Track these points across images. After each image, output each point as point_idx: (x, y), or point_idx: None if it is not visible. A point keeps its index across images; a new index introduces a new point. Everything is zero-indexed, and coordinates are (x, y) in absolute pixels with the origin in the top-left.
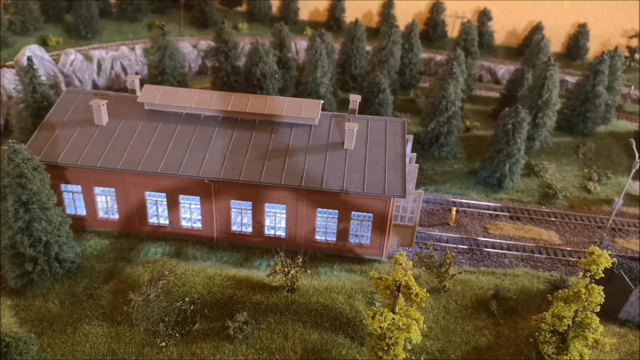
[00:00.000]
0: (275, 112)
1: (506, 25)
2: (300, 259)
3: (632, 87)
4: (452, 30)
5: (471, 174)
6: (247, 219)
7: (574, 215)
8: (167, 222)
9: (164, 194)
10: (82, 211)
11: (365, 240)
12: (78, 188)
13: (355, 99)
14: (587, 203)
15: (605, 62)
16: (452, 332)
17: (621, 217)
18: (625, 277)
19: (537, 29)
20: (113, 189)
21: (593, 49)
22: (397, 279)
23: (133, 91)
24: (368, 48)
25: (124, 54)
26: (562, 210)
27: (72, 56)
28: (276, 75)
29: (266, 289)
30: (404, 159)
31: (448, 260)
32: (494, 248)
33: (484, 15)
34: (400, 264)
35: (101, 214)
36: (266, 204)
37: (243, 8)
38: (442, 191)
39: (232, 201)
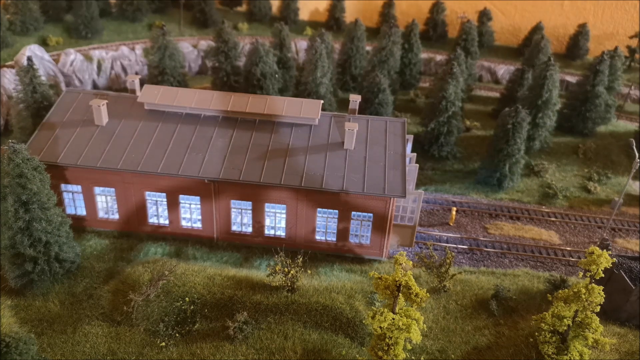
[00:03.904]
0: (275, 112)
1: (506, 25)
2: (300, 259)
3: (632, 87)
4: (452, 30)
5: (471, 174)
6: (247, 219)
7: (574, 215)
8: (167, 222)
9: (164, 194)
10: (82, 211)
11: (365, 240)
12: (78, 188)
13: (355, 99)
14: (587, 203)
15: (605, 62)
16: (452, 332)
17: (621, 217)
18: (625, 277)
19: (537, 29)
20: (113, 189)
21: (593, 49)
22: (397, 279)
23: (133, 91)
24: (368, 48)
25: (124, 54)
26: (562, 210)
27: (72, 56)
28: (276, 75)
29: (266, 289)
30: (404, 159)
31: (448, 260)
32: (494, 248)
33: (484, 15)
34: (400, 264)
35: (101, 214)
36: (266, 204)
37: (243, 8)
38: (442, 191)
39: (232, 201)
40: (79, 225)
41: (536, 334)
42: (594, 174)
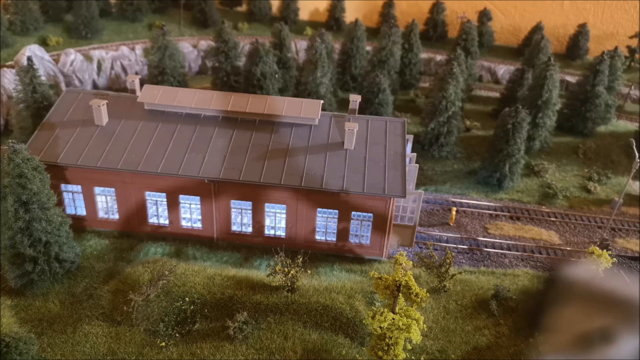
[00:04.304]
0: (275, 112)
1: (506, 25)
2: (300, 259)
3: (632, 87)
4: (452, 30)
5: (471, 174)
6: (247, 219)
7: (574, 215)
8: (167, 222)
9: (164, 194)
10: (82, 211)
11: (365, 240)
12: (78, 188)
13: (355, 99)
14: (587, 203)
15: (605, 62)
16: (452, 332)
17: (621, 217)
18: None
19: (537, 29)
20: (113, 189)
21: (593, 49)
22: (397, 279)
23: (133, 91)
24: (368, 48)
25: (124, 54)
26: (562, 210)
27: (72, 56)
28: (276, 75)
29: (266, 289)
30: (404, 159)
31: (448, 260)
32: (494, 248)
33: (484, 15)
34: (400, 264)
35: (101, 214)
36: (266, 204)
37: (243, 8)
38: (442, 191)
39: (232, 201)
40: (79, 225)
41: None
42: (594, 174)
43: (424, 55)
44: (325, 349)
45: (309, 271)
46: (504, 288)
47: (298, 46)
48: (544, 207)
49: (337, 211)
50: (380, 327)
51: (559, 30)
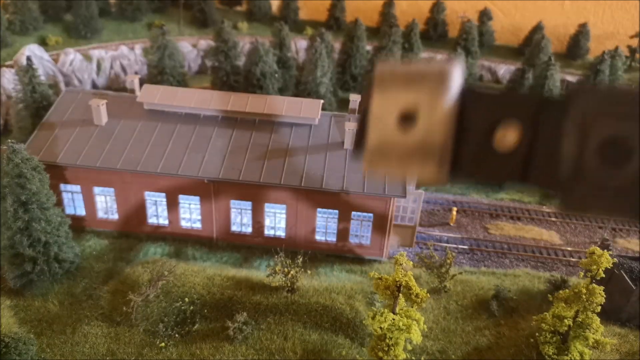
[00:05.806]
0: (274, 112)
1: (507, 25)
2: (300, 259)
3: (633, 87)
4: (453, 29)
5: None
6: (247, 219)
7: (575, 215)
8: (166, 222)
9: (164, 194)
10: (81, 211)
11: (365, 241)
12: (77, 188)
13: (355, 98)
14: None
15: (605, 61)
16: (452, 332)
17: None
18: (626, 278)
19: (537, 28)
20: (112, 189)
21: (594, 48)
22: (397, 279)
23: (132, 91)
24: (368, 47)
25: (124, 54)
26: None
27: (72, 56)
28: (276, 75)
29: (266, 289)
30: None
31: (448, 261)
32: (495, 248)
33: (485, 15)
34: (401, 264)
35: (100, 214)
36: (266, 204)
37: (243, 7)
38: (442, 191)
39: (232, 201)
40: (78, 226)
41: (537, 334)
42: None
43: (424, 54)
44: (325, 349)
45: (309, 271)
46: (504, 288)
47: (298, 46)
48: (544, 207)
49: (337, 211)
50: (381, 328)
51: (559, 29)
